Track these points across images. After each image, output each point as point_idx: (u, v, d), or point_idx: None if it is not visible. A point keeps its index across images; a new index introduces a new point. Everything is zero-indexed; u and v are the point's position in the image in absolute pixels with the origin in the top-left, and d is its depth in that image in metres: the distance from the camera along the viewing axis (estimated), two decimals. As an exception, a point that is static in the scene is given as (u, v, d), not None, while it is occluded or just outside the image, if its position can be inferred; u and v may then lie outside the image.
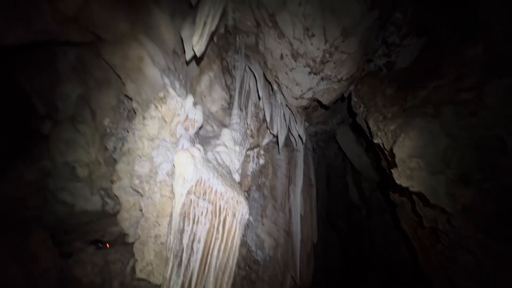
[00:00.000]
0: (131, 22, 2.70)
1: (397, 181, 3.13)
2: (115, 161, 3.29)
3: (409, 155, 3.01)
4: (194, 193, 2.44)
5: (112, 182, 2.96)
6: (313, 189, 6.87)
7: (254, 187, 5.40)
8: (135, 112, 3.01)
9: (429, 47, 3.46)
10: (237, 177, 3.30)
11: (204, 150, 3.12)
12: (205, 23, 2.72)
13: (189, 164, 2.33)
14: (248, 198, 5.23)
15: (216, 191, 2.52)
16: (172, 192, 2.58)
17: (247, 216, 2.83)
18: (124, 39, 2.72)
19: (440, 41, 3.39)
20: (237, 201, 2.73)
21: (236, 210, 2.73)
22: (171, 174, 2.66)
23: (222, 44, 4.56)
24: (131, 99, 3.03)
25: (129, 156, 2.88)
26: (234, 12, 4.32)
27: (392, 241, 6.82)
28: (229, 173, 3.13)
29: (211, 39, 3.96)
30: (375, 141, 3.79)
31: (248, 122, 4.63)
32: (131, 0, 2.85)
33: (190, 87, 3.88)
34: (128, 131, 2.98)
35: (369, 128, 4.12)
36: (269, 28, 3.87)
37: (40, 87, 3.23)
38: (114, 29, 2.60)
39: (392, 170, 3.21)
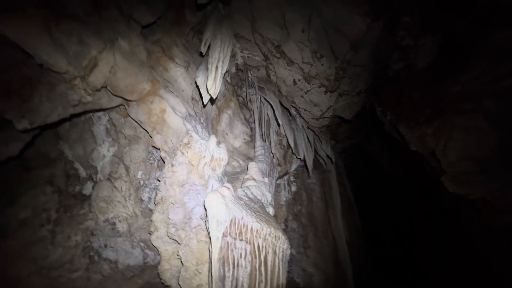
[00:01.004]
0: (151, 81, 2.95)
1: (450, 190, 2.77)
2: (151, 211, 3.37)
3: (458, 159, 2.69)
4: (230, 235, 2.36)
5: (150, 233, 3.00)
6: (354, 209, 6.39)
7: (291, 217, 5.16)
8: (163, 161, 3.13)
9: (447, 41, 3.27)
10: (271, 210, 3.16)
11: (233, 187, 3.09)
12: (216, 68, 2.88)
13: (221, 205, 2.28)
14: (286, 230, 4.97)
15: (252, 228, 2.41)
16: (208, 236, 2.52)
17: (288, 251, 2.65)
18: (147, 97, 2.95)
19: (458, 34, 3.21)
20: (275, 237, 2.58)
21: (276, 246, 2.57)
22: (205, 217, 2.63)
23: (236, 82, 4.76)
24: (159, 149, 3.17)
25: (163, 204, 2.93)
26: (242, 51, 4.56)
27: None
28: (262, 207, 3.03)
29: (224, 79, 4.17)
30: (413, 148, 3.49)
31: (273, 151, 4.59)
32: (150, 61, 3.16)
33: (211, 128, 4.02)
34: (159, 180, 3.08)
35: (401, 135, 3.84)
36: (278, 59, 3.98)
37: (80, 152, 3.55)
38: (138, 90, 2.85)
39: (442, 179, 2.87)
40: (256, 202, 2.95)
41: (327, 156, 5.35)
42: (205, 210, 2.40)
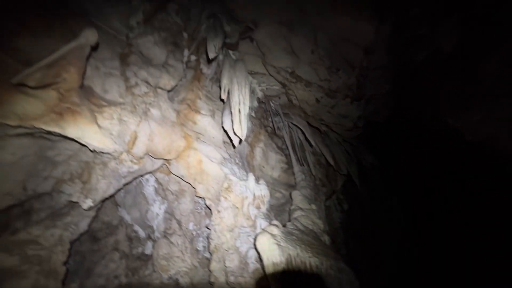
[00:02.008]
0: (184, 137, 3.18)
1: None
2: (208, 260, 3.40)
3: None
4: (289, 275, 2.25)
5: (211, 283, 3.00)
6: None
7: (350, 238, 4.77)
8: (210, 209, 3.22)
9: (468, 17, 3.01)
10: (326, 239, 2.98)
11: (281, 221, 3.02)
12: (239, 110, 3.02)
13: (273, 246, 2.23)
14: (348, 254, 4.58)
15: (310, 265, 2.27)
16: (267, 279, 2.43)
17: (357, 283, 2.40)
18: (183, 152, 3.17)
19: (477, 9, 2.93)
20: (338, 269, 2.39)
21: (342, 280, 2.36)
22: (260, 261, 2.57)
23: (260, 114, 4.88)
24: (203, 198, 3.30)
25: (217, 253, 2.95)
26: (259, 85, 4.74)
27: None
28: (316, 237, 2.87)
29: (249, 115, 4.31)
30: (469, 138, 3.09)
31: (314, 173, 4.44)
32: (180, 119, 3.44)
33: (247, 165, 4.09)
34: (209, 228, 3.15)
35: (449, 127, 3.45)
36: (295, 83, 4.04)
37: (137, 215, 3.85)
38: (175, 149, 3.09)
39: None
40: (309, 234, 2.81)
41: (371, 164, 5.00)
42: (258, 253, 2.36)
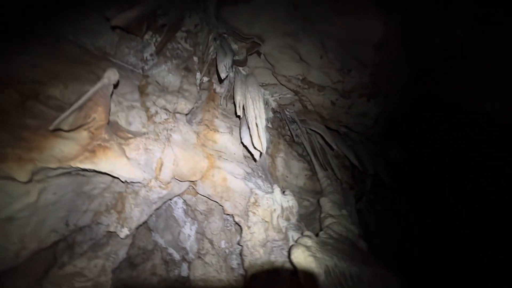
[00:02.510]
0: (207, 157, 3.26)
1: None
2: (244, 277, 3.38)
3: None
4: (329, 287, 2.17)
5: (250, 302, 2.96)
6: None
7: (387, 239, 4.53)
8: (239, 225, 3.22)
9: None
10: (363, 245, 2.85)
11: (312, 231, 2.94)
12: (256, 125, 3.06)
13: (308, 258, 2.18)
14: (388, 257, 4.33)
15: (351, 275, 2.18)
16: (307, 293, 2.36)
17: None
18: (207, 172, 3.24)
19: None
20: (380, 276, 2.27)
21: (386, 286, 2.24)
22: (296, 273, 2.51)
23: (277, 124, 4.90)
24: (232, 215, 3.32)
25: (252, 269, 2.93)
26: (272, 95, 4.79)
27: None
28: (352, 244, 2.76)
29: (266, 127, 4.33)
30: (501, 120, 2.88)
31: (339, 177, 4.33)
32: (200, 140, 3.54)
33: (271, 176, 4.08)
34: (241, 245, 3.15)
35: (479, 111, 3.24)
36: (308, 89, 4.04)
37: (170, 237, 3.95)
38: (199, 170, 3.17)
39: None
40: (344, 241, 2.72)
41: (399, 159, 4.78)
42: (294, 266, 2.31)
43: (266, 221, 2.97)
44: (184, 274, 3.78)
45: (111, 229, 2.91)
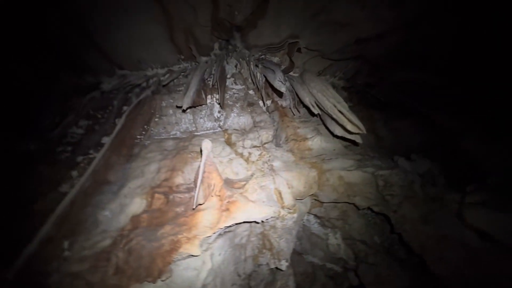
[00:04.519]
0: (312, 167, 3.25)
1: None
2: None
3: None
4: None
5: None
6: None
7: None
8: (383, 214, 2.95)
9: None
10: None
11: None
12: (340, 111, 2.89)
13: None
14: None
15: None
16: None
17: None
18: (320, 180, 3.20)
19: None
20: None
21: None
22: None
23: (357, 99, 4.50)
24: (369, 208, 3.09)
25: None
26: (335, 77, 4.51)
27: None
28: None
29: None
30: None
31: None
32: (297, 155, 3.60)
33: (385, 150, 3.67)
34: (397, 232, 2.84)
35: None
36: (366, 45, 3.61)
37: (321, 253, 3.97)
38: (313, 182, 3.18)
39: None
40: None
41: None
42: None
43: (410, 196, 2.62)
44: (355, 283, 3.66)
45: (272, 266, 3.17)
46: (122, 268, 2.16)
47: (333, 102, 3.03)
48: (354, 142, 3.17)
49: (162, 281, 2.21)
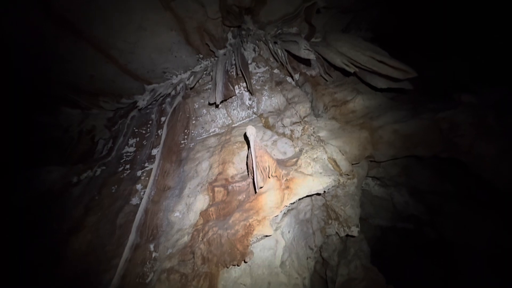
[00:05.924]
0: (362, 128, 3.10)
1: None
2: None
3: None
4: None
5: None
6: None
7: None
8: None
9: None
10: None
11: None
12: (380, 61, 2.69)
13: None
14: None
15: None
16: None
17: None
18: (374, 138, 3.04)
19: None
20: None
21: None
22: None
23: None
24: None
25: None
26: (361, 30, 4.19)
27: None
28: None
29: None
30: None
31: None
32: (341, 119, 3.46)
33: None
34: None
35: None
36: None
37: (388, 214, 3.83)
38: (367, 142, 3.04)
39: None
40: None
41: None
42: None
43: (484, 132, 2.35)
44: (432, 237, 3.48)
45: (342, 234, 3.15)
46: (208, 257, 2.32)
47: (370, 54, 2.82)
48: (401, 91, 2.94)
49: (245, 262, 2.33)
